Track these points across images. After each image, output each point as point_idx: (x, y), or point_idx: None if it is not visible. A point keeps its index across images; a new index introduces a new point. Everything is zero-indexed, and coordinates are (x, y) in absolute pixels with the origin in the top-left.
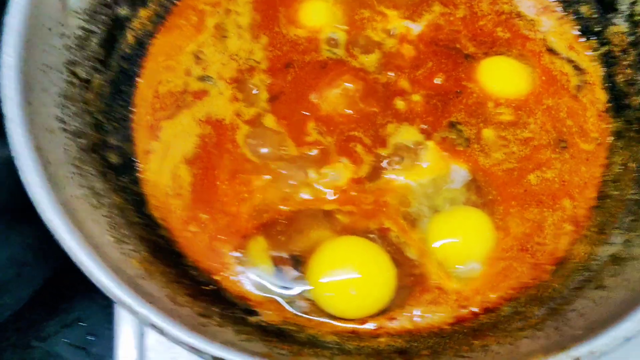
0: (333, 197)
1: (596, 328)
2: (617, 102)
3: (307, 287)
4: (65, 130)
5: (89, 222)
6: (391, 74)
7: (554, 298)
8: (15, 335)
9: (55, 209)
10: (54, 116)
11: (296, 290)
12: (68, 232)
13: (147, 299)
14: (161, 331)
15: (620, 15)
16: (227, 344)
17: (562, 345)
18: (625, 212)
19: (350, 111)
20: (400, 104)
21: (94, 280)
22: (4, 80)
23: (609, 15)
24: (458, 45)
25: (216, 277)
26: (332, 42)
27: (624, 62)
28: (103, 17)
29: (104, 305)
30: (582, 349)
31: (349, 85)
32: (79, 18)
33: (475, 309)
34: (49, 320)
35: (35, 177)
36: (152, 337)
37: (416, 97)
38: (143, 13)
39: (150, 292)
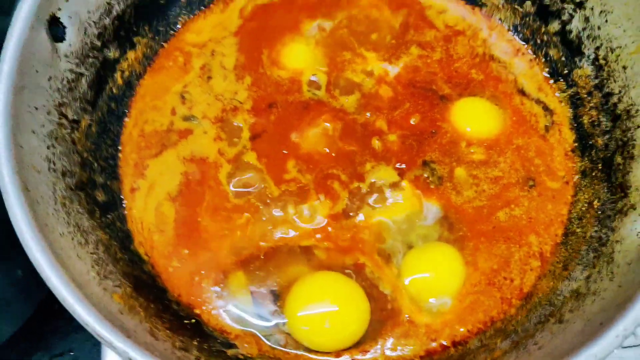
0: (311, 234)
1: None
2: (583, 142)
3: (284, 321)
4: (53, 170)
5: (73, 260)
6: (369, 114)
7: (517, 331)
8: None
9: (40, 248)
10: (42, 157)
11: (274, 323)
12: (52, 271)
13: (126, 334)
14: None
15: (585, 58)
16: None
17: None
18: (587, 248)
19: (329, 150)
20: (377, 143)
21: (75, 317)
22: None
23: (576, 59)
24: (434, 87)
25: (197, 311)
26: (314, 84)
27: (590, 104)
28: (92, 59)
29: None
30: None
31: (328, 125)
32: (69, 62)
33: (445, 342)
34: (38, 351)
35: (23, 217)
36: None
37: (392, 137)
38: (131, 55)
39: (129, 327)
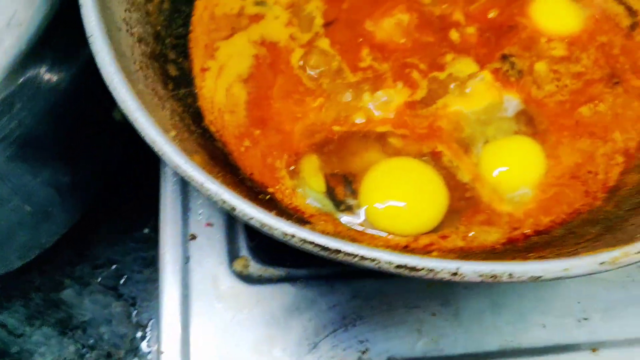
0: (386, 120)
1: None
2: None
3: (360, 206)
4: (131, 33)
5: (154, 115)
6: (445, 6)
7: (609, 219)
8: (39, 279)
9: (129, 91)
10: (120, 16)
11: (349, 206)
12: (141, 112)
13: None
14: (232, 208)
15: None
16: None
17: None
18: None
19: (405, 40)
20: (454, 35)
21: (166, 159)
22: None
23: None
24: None
25: (270, 190)
26: None
27: None
28: None
29: (135, 248)
30: None
31: (403, 15)
32: None
33: (528, 231)
34: (81, 261)
35: (110, 59)
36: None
37: (471, 30)
38: None
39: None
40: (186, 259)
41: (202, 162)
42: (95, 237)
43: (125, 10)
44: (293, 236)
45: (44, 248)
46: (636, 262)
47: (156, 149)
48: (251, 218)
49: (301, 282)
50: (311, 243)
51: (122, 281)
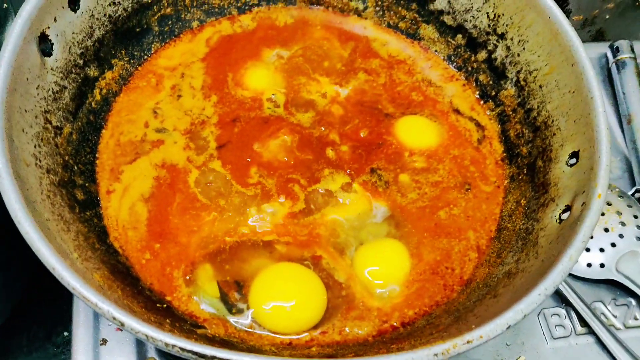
0: (272, 230)
1: (486, 320)
2: (510, 151)
3: (249, 309)
4: (39, 166)
5: (58, 241)
6: (323, 128)
7: (459, 309)
8: None
9: (31, 224)
10: (30, 153)
11: (239, 309)
12: (42, 243)
13: (110, 299)
14: (121, 324)
15: (509, 81)
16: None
17: (458, 334)
18: (516, 238)
19: (287, 159)
20: (330, 153)
21: (64, 283)
22: None
23: (502, 82)
24: (380, 106)
25: (168, 298)
26: (274, 102)
27: (514, 119)
28: (75, 75)
29: (55, 353)
30: (473, 334)
31: (287, 137)
32: (54, 75)
33: (395, 323)
34: None
35: (16, 197)
36: None
37: (344, 147)
38: (109, 74)
39: (111, 299)
40: None
41: (103, 278)
42: (17, 345)
43: (35, 146)
44: (174, 346)
45: None
46: (465, 351)
47: (56, 275)
48: (137, 332)
49: None
50: (189, 351)
51: None
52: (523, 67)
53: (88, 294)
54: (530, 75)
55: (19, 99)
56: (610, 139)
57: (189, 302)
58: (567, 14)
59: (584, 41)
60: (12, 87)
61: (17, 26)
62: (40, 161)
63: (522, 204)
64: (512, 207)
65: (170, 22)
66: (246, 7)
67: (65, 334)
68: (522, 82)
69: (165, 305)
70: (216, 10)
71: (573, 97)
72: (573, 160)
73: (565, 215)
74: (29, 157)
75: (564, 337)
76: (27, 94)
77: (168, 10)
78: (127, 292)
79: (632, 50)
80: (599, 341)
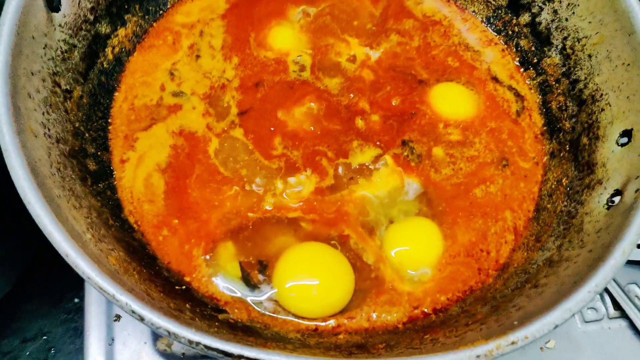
0: (297, 206)
1: (530, 318)
2: (551, 125)
3: (273, 290)
4: (48, 135)
5: (70, 221)
6: (352, 95)
7: (496, 297)
8: None
9: (41, 205)
10: (38, 121)
11: (262, 292)
12: (54, 227)
13: (127, 289)
14: (141, 317)
15: (554, 48)
16: (200, 330)
17: (501, 332)
18: (558, 221)
19: (314, 128)
20: (360, 123)
21: (78, 271)
22: None
23: (545, 49)
24: (413, 72)
25: (187, 279)
26: (299, 65)
27: (557, 90)
28: (85, 32)
29: (66, 319)
30: (518, 335)
31: (313, 104)
32: (63, 32)
33: (427, 310)
34: (9, 335)
35: (24, 174)
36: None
37: (375, 117)
38: (122, 32)
39: (128, 285)
40: (111, 340)
41: (119, 260)
42: (26, 310)
43: (43, 113)
44: (198, 343)
45: None
46: (510, 352)
47: (69, 262)
48: (159, 327)
49: None
50: (215, 349)
51: (51, 353)
52: (571, 34)
53: (105, 284)
54: (579, 43)
55: (25, 60)
56: None
57: (209, 283)
58: None
59: None
60: (16, 49)
61: None
62: (49, 130)
63: (564, 184)
64: (553, 186)
65: None
66: None
67: (76, 300)
68: (569, 50)
69: (184, 287)
70: None
71: (627, 70)
72: (624, 140)
73: (615, 200)
74: (36, 126)
75: (596, 320)
76: (34, 54)
77: None
78: (144, 274)
79: None
80: (632, 325)
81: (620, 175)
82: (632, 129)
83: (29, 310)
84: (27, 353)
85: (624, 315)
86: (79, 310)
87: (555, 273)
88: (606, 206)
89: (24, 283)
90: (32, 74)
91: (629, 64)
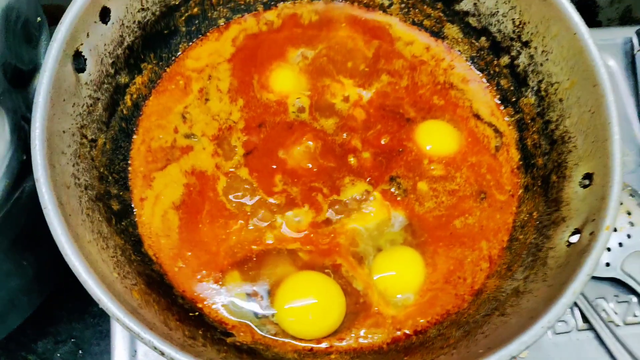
0: (296, 238)
1: (493, 348)
2: (527, 160)
3: (274, 313)
4: (78, 185)
5: (100, 264)
6: (345, 135)
7: (469, 322)
8: (3, 357)
9: (77, 257)
10: (69, 174)
11: (265, 315)
12: (88, 276)
13: (149, 326)
14: (162, 353)
15: (530, 89)
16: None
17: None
18: (527, 252)
19: (311, 166)
20: (352, 160)
21: (110, 313)
22: (34, 150)
23: (522, 89)
24: (401, 110)
25: (199, 305)
26: (298, 107)
27: (533, 129)
28: (107, 85)
29: (93, 323)
30: None
31: (311, 143)
32: (89, 89)
33: (408, 331)
34: (44, 337)
35: (62, 230)
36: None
37: (366, 155)
38: (139, 79)
39: (149, 320)
40: (134, 352)
41: (140, 293)
42: (59, 315)
43: (73, 165)
44: None
45: (9, 331)
46: None
47: (101, 305)
48: None
49: None
50: None
51: (80, 354)
52: (545, 78)
53: (131, 324)
54: (552, 86)
55: (57, 122)
56: (623, 168)
57: (218, 309)
58: None
59: (610, 20)
60: (50, 113)
61: (53, 49)
62: (78, 179)
63: (534, 217)
64: (525, 218)
65: (197, 22)
66: (272, 3)
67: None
68: (543, 93)
69: (197, 313)
70: (242, 7)
71: (592, 117)
72: (587, 182)
73: (574, 239)
74: (69, 178)
75: (565, 332)
76: (64, 114)
77: (195, 10)
78: (162, 304)
79: None
80: (598, 337)
81: (581, 215)
82: (593, 173)
83: (61, 315)
84: (59, 354)
85: (591, 327)
86: (104, 315)
87: (518, 304)
88: (567, 243)
89: (57, 292)
90: (64, 132)
91: (593, 112)
